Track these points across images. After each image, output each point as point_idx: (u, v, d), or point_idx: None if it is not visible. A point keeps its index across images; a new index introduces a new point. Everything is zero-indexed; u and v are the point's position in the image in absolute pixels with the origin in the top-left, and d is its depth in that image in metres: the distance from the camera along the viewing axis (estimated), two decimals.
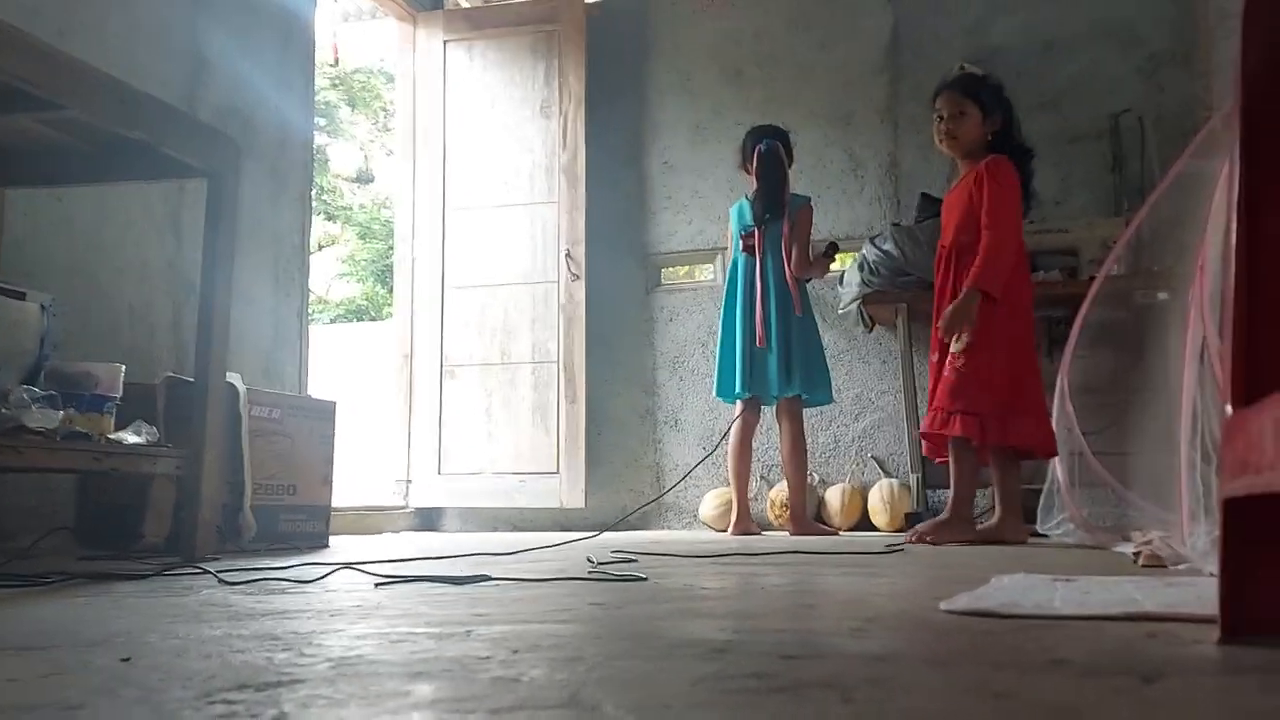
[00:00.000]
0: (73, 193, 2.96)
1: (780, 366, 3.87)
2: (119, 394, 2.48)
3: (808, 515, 4.03)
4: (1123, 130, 4.32)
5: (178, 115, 2.48)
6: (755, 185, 4.01)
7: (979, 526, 3.24)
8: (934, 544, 3.03)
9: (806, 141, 4.62)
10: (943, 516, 3.22)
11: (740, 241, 4.05)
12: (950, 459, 3.21)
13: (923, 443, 3.39)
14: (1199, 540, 2.02)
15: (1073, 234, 3.96)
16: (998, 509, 3.21)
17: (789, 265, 3.92)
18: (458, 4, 5.38)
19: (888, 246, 4.03)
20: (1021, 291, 3.25)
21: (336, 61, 6.30)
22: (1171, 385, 2.40)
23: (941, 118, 3.30)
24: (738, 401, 4.03)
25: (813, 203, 4.12)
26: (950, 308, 3.17)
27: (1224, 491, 0.95)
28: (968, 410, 3.12)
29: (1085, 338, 3.30)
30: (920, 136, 4.54)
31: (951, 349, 3.18)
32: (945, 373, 3.20)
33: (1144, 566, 2.06)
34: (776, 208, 3.97)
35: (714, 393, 4.15)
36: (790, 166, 4.07)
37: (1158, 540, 2.24)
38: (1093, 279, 3.44)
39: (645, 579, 1.79)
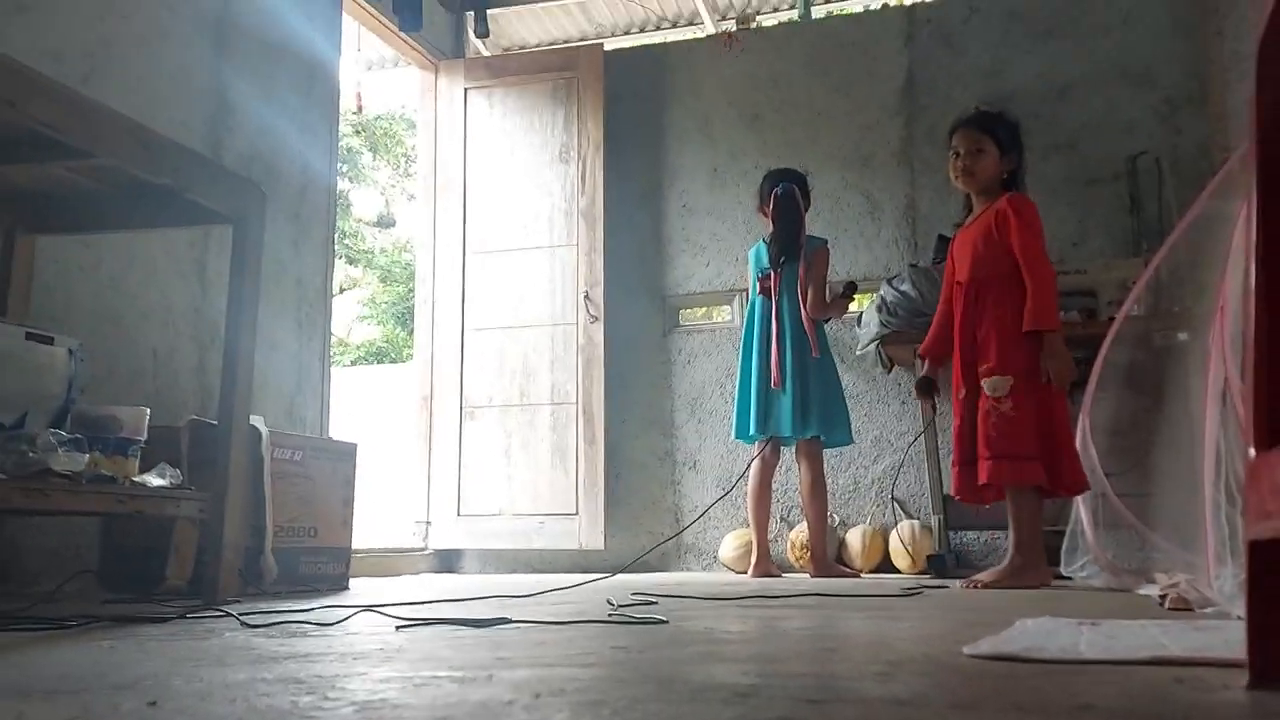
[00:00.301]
0: (100, 238, 3.01)
1: (796, 408, 3.87)
2: (144, 437, 2.50)
3: (828, 557, 4.00)
4: (1140, 172, 4.32)
5: (203, 162, 2.53)
6: (772, 228, 4.04)
7: (997, 569, 3.19)
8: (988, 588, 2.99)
9: (825, 184, 4.66)
10: (1011, 563, 3.12)
11: (757, 284, 4.07)
12: (1010, 502, 3.16)
13: (954, 481, 3.32)
14: (1225, 583, 2.00)
15: (1090, 275, 3.96)
16: (1015, 551, 3.15)
17: (805, 307, 3.93)
18: (479, 52, 5.47)
19: (905, 287, 4.03)
20: None
21: (360, 109, 6.40)
22: (1194, 426, 2.39)
23: (958, 154, 3.32)
24: (757, 443, 4.03)
25: (830, 244, 4.15)
26: (1050, 364, 3.11)
27: (1249, 534, 0.95)
28: (1012, 455, 3.08)
29: (1106, 378, 3.28)
30: (936, 178, 4.57)
31: (989, 394, 3.15)
32: (989, 419, 3.15)
33: (1170, 609, 2.04)
34: (792, 250, 3.99)
35: (732, 434, 4.14)
36: (808, 209, 4.10)
37: (1184, 583, 2.21)
38: (1111, 320, 3.43)
39: (666, 622, 1.78)
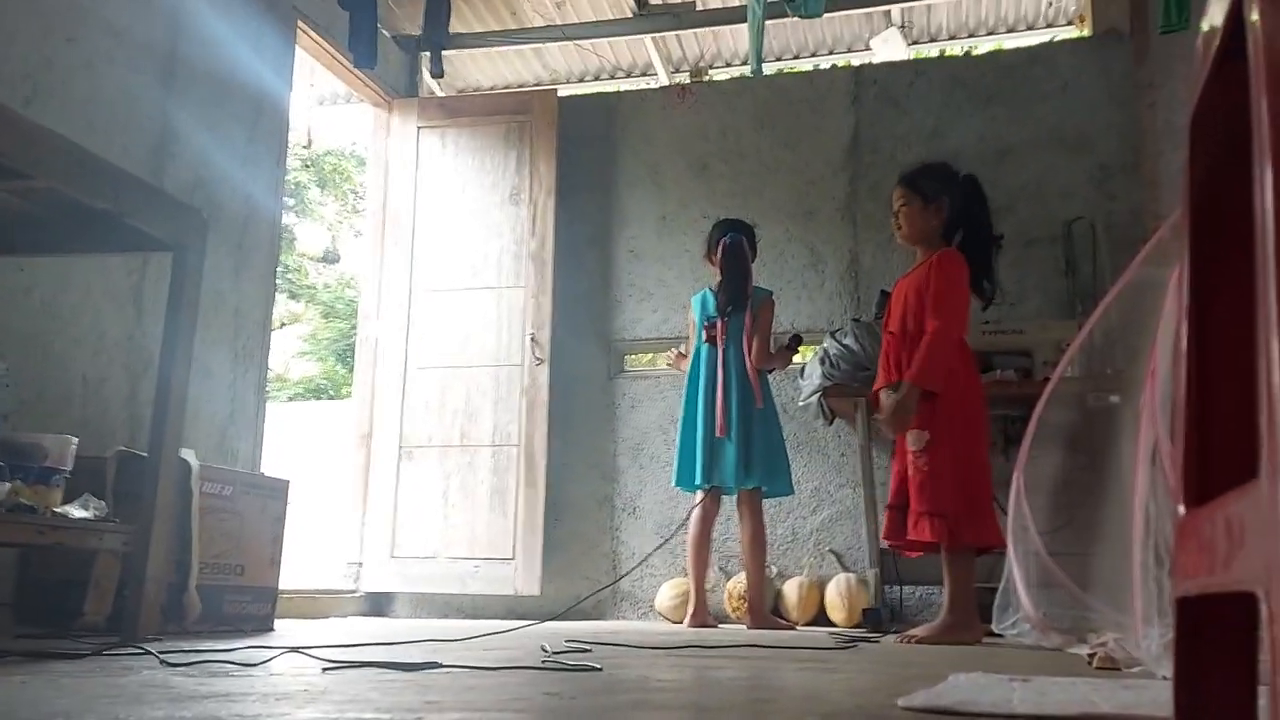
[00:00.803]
0: (35, 262, 2.94)
1: (740, 458, 3.88)
2: (69, 467, 2.43)
3: (766, 608, 3.99)
4: (1075, 236, 4.45)
5: (144, 187, 2.49)
6: (719, 277, 4.07)
7: (931, 625, 3.21)
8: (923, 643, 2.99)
9: (769, 236, 4.72)
10: (945, 619, 3.13)
11: (703, 332, 4.08)
12: (944, 559, 3.17)
13: (885, 524, 3.34)
14: (1152, 643, 2.03)
15: (1028, 335, 4.04)
16: (949, 608, 3.17)
17: (749, 357, 3.96)
18: (433, 92, 5.48)
19: (848, 341, 4.09)
20: (973, 384, 3.27)
21: (309, 144, 6.36)
22: (1124, 487, 2.43)
23: (896, 212, 3.39)
24: (698, 491, 4.02)
25: (775, 296, 4.19)
26: (891, 402, 3.19)
27: (1178, 591, 0.96)
28: (934, 512, 3.11)
29: (1040, 438, 3.34)
30: (880, 234, 4.67)
31: (910, 448, 3.19)
32: (910, 473, 3.19)
33: (1098, 669, 2.06)
34: (740, 300, 4.02)
35: (673, 481, 4.13)
36: (754, 260, 4.14)
37: (1112, 643, 2.24)
38: (1047, 380, 3.50)
39: (600, 669, 1.76)
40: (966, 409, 3.21)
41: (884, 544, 3.40)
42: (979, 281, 3.36)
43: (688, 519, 4.06)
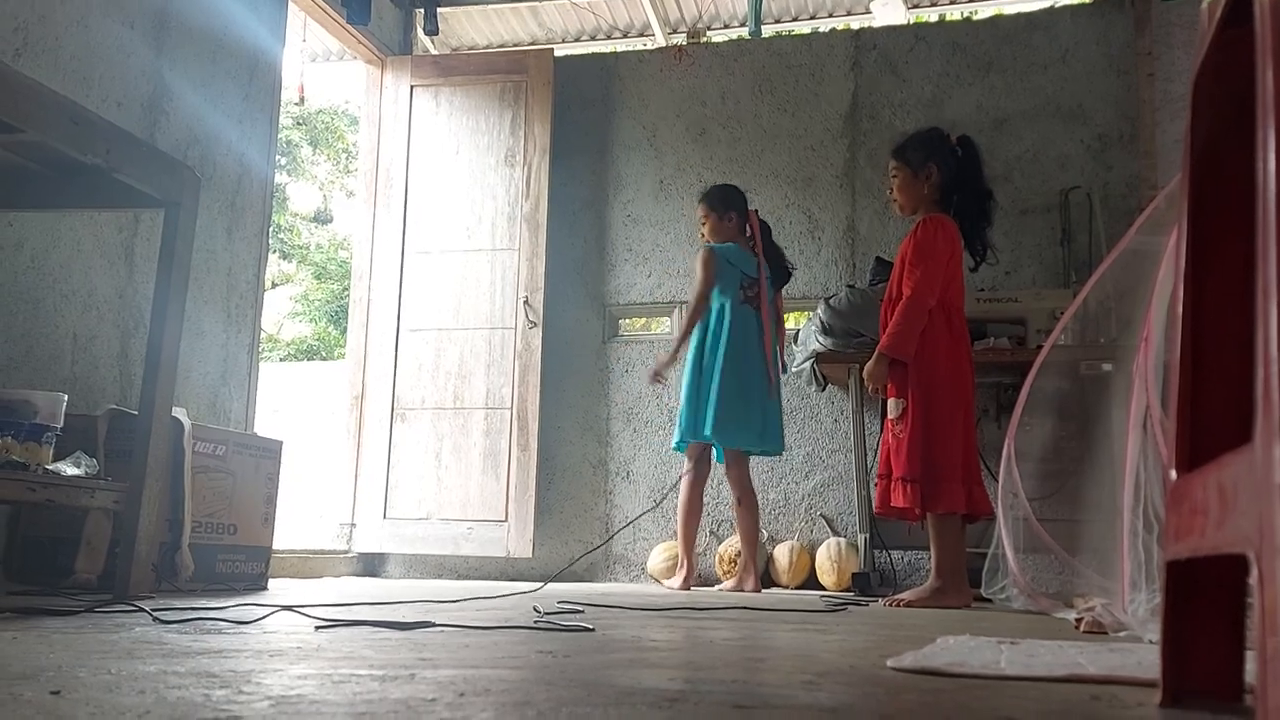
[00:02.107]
0: (24, 217, 2.91)
1: (776, 421, 3.98)
2: (59, 424, 2.42)
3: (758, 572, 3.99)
4: (1072, 205, 4.44)
5: (136, 143, 2.46)
6: (753, 241, 4.05)
7: (919, 589, 3.24)
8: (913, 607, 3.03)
9: (767, 202, 4.70)
10: (932, 584, 3.16)
11: (739, 292, 3.95)
12: (930, 525, 3.20)
13: (876, 496, 3.38)
14: (1139, 608, 2.05)
15: (1022, 303, 4.04)
16: (936, 573, 3.20)
17: (781, 330, 4.11)
18: (427, 50, 5.42)
19: (843, 307, 4.08)
20: (956, 352, 3.27)
21: (302, 100, 6.29)
22: (1115, 454, 2.45)
23: (891, 186, 3.42)
24: (690, 453, 3.99)
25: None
26: (865, 369, 3.29)
27: (1168, 554, 0.97)
28: (906, 478, 3.13)
29: (1032, 405, 3.35)
30: (876, 201, 4.65)
31: (889, 415, 3.23)
32: (890, 440, 3.23)
33: (1085, 633, 2.08)
34: (784, 275, 4.15)
35: (676, 443, 3.99)
36: None
37: (1099, 607, 2.26)
38: (1040, 348, 3.50)
39: (593, 630, 1.77)
40: (945, 376, 3.21)
41: (877, 514, 3.43)
42: (970, 243, 3.36)
43: (678, 482, 4.06)
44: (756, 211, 4.14)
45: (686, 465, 4.02)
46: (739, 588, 3.87)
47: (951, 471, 3.15)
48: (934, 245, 3.23)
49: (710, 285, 3.94)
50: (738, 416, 3.85)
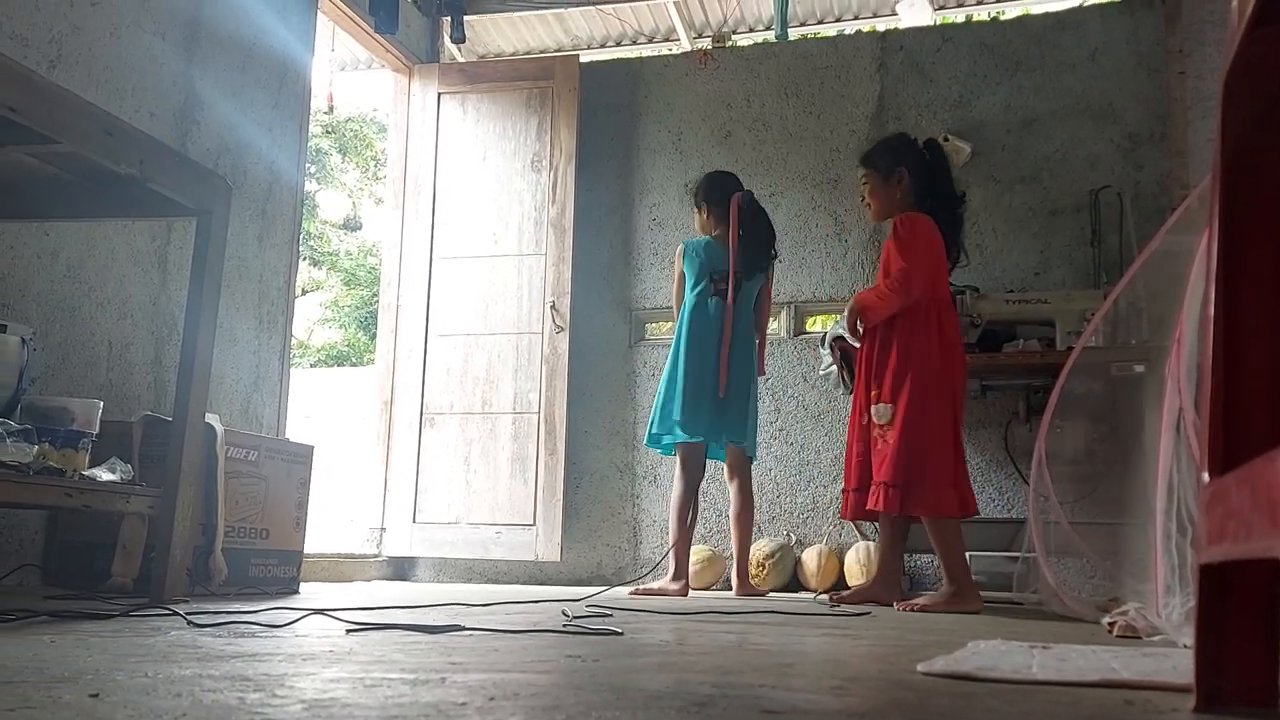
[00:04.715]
0: (60, 226, 2.96)
1: (737, 418, 3.77)
2: (95, 430, 2.45)
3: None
4: (1102, 205, 4.40)
5: (169, 153, 2.49)
6: (729, 231, 3.83)
7: (933, 595, 3.21)
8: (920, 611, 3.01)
9: (793, 204, 4.69)
10: (945, 589, 3.14)
11: (709, 285, 3.85)
12: (930, 531, 3.18)
13: (843, 504, 3.40)
14: (1173, 612, 2.02)
15: (1051, 305, 4.01)
16: (948, 578, 3.16)
17: (763, 321, 3.91)
18: (454, 58, 5.46)
19: None
20: (949, 356, 3.23)
21: (331, 109, 6.36)
22: (1147, 457, 2.42)
23: (863, 195, 3.46)
24: (681, 452, 3.82)
25: (785, 262, 4.11)
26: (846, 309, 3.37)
27: (1202, 558, 0.96)
28: (890, 483, 3.11)
29: (1063, 407, 3.32)
30: None
31: (874, 420, 3.20)
32: (875, 444, 3.21)
33: (1118, 637, 2.06)
34: (766, 261, 3.91)
35: (655, 437, 3.87)
36: None
37: (1132, 611, 2.24)
38: (1070, 350, 3.47)
39: (621, 634, 1.77)
40: (935, 382, 3.17)
41: (846, 518, 3.47)
42: (945, 247, 3.34)
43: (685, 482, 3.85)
44: (742, 195, 3.90)
45: (685, 463, 3.84)
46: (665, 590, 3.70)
47: (944, 476, 3.13)
48: (915, 240, 3.23)
49: (678, 280, 3.95)
50: (690, 410, 3.73)
